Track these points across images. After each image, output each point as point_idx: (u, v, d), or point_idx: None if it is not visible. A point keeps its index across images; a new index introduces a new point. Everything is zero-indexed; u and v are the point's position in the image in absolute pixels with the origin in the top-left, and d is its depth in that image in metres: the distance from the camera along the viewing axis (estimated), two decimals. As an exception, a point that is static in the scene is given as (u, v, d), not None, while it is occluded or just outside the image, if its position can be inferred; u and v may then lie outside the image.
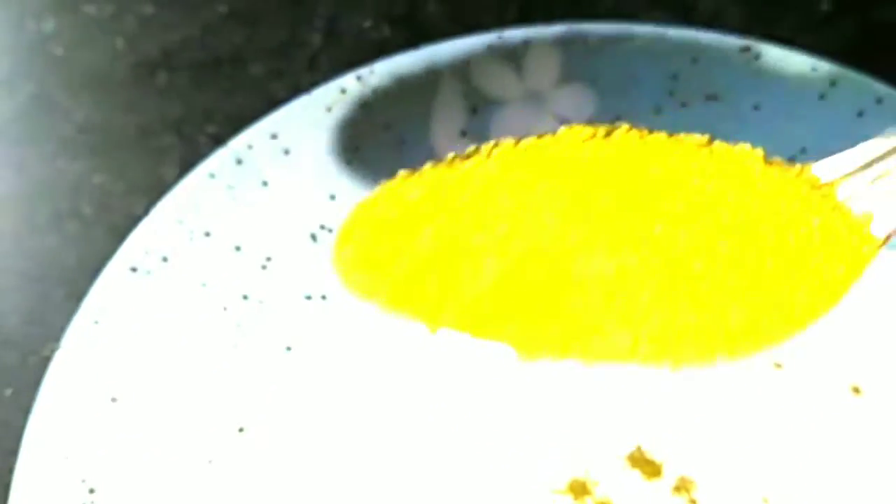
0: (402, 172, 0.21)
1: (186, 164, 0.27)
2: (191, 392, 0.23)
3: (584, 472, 0.22)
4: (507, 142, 0.20)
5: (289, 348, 0.24)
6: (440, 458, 0.23)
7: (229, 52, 0.30)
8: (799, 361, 0.24)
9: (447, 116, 0.26)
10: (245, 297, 0.25)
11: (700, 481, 0.22)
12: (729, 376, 0.24)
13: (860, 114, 0.26)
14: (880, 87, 0.26)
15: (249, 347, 0.24)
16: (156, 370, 0.24)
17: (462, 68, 0.27)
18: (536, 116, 0.27)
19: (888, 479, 0.23)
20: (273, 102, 0.27)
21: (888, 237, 0.20)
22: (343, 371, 0.24)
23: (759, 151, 0.21)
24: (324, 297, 0.24)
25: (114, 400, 0.23)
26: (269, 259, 0.25)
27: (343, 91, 0.26)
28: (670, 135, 0.20)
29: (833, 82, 0.27)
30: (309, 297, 0.25)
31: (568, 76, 0.27)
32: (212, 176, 0.25)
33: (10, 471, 0.22)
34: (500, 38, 0.27)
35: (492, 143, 0.20)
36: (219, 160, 0.26)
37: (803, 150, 0.26)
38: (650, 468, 0.23)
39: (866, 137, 0.26)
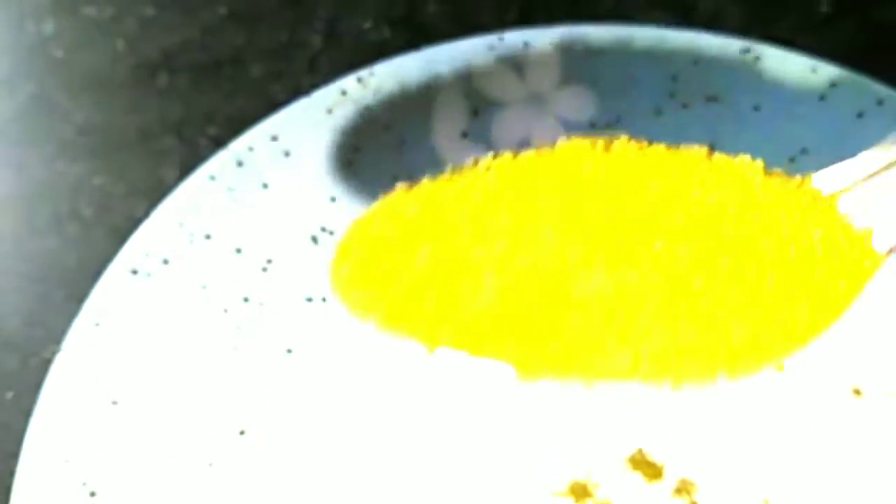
0: (399, 187, 0.20)
1: (187, 166, 0.27)
2: (191, 395, 0.23)
3: (586, 474, 0.22)
4: (506, 155, 0.20)
5: (289, 351, 0.24)
6: (441, 459, 0.23)
7: (229, 54, 0.30)
8: (800, 363, 0.24)
9: (448, 118, 0.26)
10: (246, 300, 0.25)
11: (701, 483, 0.22)
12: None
13: (860, 115, 0.26)
14: (880, 89, 0.26)
15: (250, 350, 0.24)
16: (156, 373, 0.24)
17: (463, 70, 0.27)
18: (537, 118, 0.27)
19: (889, 481, 0.23)
20: (273, 104, 0.27)
21: (890, 251, 0.20)
22: (344, 373, 0.24)
23: (760, 163, 0.20)
24: (324, 300, 0.24)
25: (114, 403, 0.23)
26: (269, 261, 0.25)
27: (343, 93, 0.26)
28: (670, 145, 0.20)
29: (833, 84, 0.27)
30: (310, 300, 0.25)
31: (568, 78, 0.27)
32: (212, 178, 0.25)
33: (11, 474, 0.22)
34: (500, 39, 0.27)
35: (490, 155, 0.20)
36: (219, 162, 0.26)
37: (804, 151, 0.26)
38: (651, 470, 0.23)
39: (866, 139, 0.26)
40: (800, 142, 0.26)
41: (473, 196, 0.20)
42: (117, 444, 0.23)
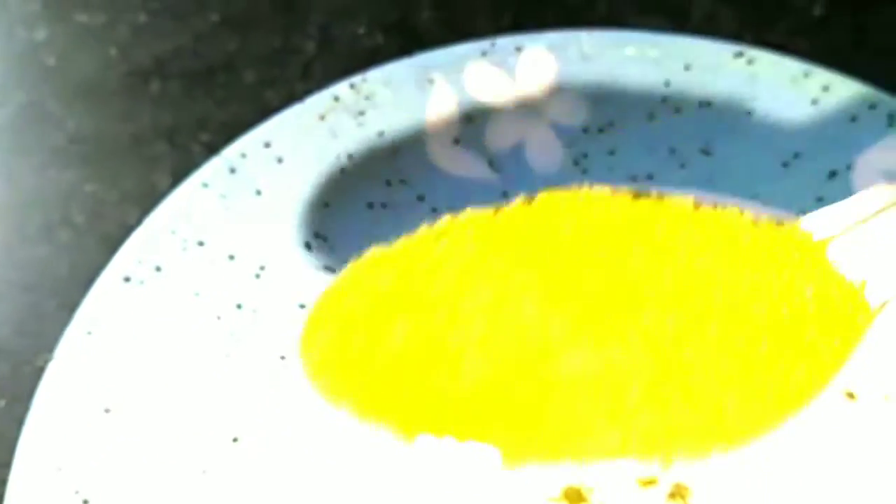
0: (370, 252, 0.19)
1: (179, 173, 0.27)
2: (185, 402, 0.23)
3: (579, 479, 0.22)
4: (484, 214, 0.19)
5: (283, 357, 0.24)
6: (436, 460, 0.23)
7: (222, 61, 0.30)
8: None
9: (441, 124, 0.26)
10: (239, 307, 0.24)
11: (695, 488, 0.22)
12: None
13: (853, 119, 0.26)
14: (873, 93, 0.26)
15: (243, 357, 0.24)
16: (149, 380, 0.23)
17: (456, 76, 0.27)
18: (530, 123, 0.27)
19: (883, 485, 0.23)
20: (266, 111, 0.27)
21: (883, 305, 0.19)
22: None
23: (748, 214, 0.20)
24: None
25: (107, 410, 0.23)
26: (262, 268, 0.25)
27: (336, 99, 0.26)
28: (657, 196, 0.19)
29: (826, 88, 0.27)
30: (303, 306, 0.24)
31: (562, 83, 0.27)
32: (205, 185, 0.25)
33: (4, 482, 0.22)
34: (493, 45, 0.27)
35: (468, 213, 0.19)
36: (212, 169, 0.26)
37: (797, 156, 0.26)
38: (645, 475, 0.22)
39: (860, 143, 0.26)
40: (793, 146, 0.26)
41: (450, 266, 0.18)
42: (110, 452, 0.23)
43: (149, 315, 0.24)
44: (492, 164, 0.26)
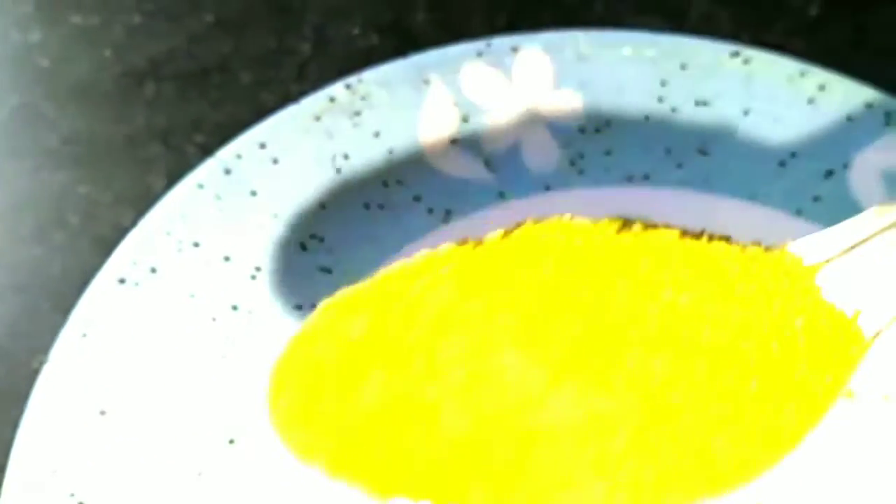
0: (340, 293, 0.18)
1: (174, 175, 0.27)
2: (180, 404, 0.23)
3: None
4: (462, 249, 0.18)
5: (279, 359, 0.24)
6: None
7: (217, 62, 0.30)
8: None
9: (437, 124, 0.26)
10: (234, 308, 0.24)
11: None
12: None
13: (849, 118, 0.26)
14: (869, 92, 0.26)
15: (239, 358, 0.24)
16: (144, 382, 0.23)
17: (451, 76, 0.27)
18: (527, 124, 0.27)
19: (882, 484, 0.23)
20: (261, 111, 0.27)
21: (877, 335, 0.19)
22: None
23: (736, 247, 0.19)
24: (314, 307, 0.24)
25: (103, 413, 0.23)
26: (258, 269, 0.25)
27: (332, 100, 0.26)
28: (641, 227, 0.18)
29: (822, 87, 0.27)
30: (299, 307, 0.24)
31: (558, 83, 0.27)
32: (200, 186, 0.25)
33: (-2, 485, 0.22)
34: (489, 45, 0.27)
35: (445, 248, 0.18)
36: (207, 170, 0.25)
37: (793, 155, 0.26)
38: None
39: (856, 142, 0.26)
40: (789, 146, 0.26)
41: (426, 308, 0.17)
42: (106, 455, 0.23)
43: (144, 317, 0.24)
44: (488, 164, 0.26)
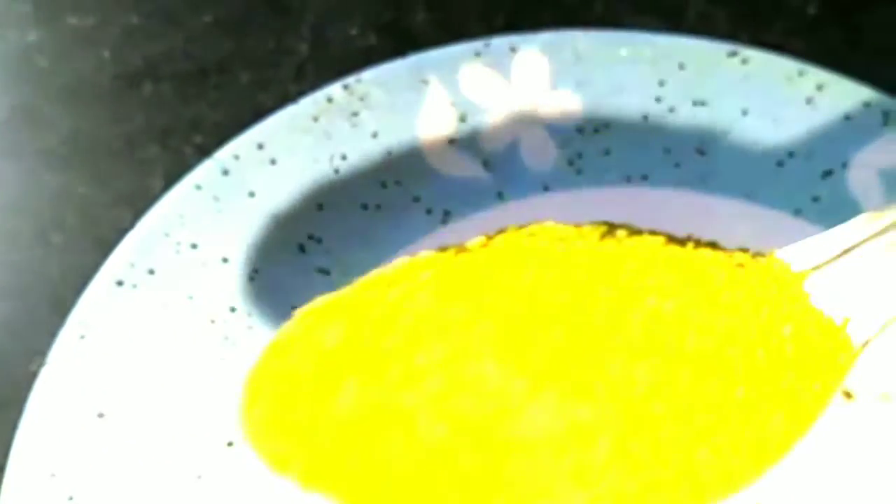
0: (318, 300, 0.18)
1: (172, 176, 0.26)
2: (179, 406, 0.23)
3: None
4: (442, 256, 0.18)
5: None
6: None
7: (215, 62, 0.30)
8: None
9: (435, 124, 0.26)
10: (233, 310, 0.24)
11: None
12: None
13: (847, 118, 0.26)
14: (867, 92, 0.26)
15: (238, 360, 0.24)
16: (143, 385, 0.23)
17: (449, 76, 0.27)
18: (525, 124, 0.27)
19: (881, 484, 0.23)
20: (259, 112, 0.27)
21: (866, 343, 0.19)
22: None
23: (723, 253, 0.18)
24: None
25: (101, 415, 0.23)
26: (256, 270, 0.25)
27: (330, 100, 0.26)
28: (627, 233, 0.18)
29: (820, 87, 0.27)
30: (296, 309, 0.24)
31: (556, 83, 0.27)
32: (198, 187, 0.25)
33: (-3, 488, 0.22)
34: (487, 45, 0.27)
35: (425, 255, 0.18)
36: (205, 171, 0.25)
37: (791, 155, 0.26)
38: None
39: (854, 141, 0.26)
40: (787, 146, 0.26)
41: (403, 315, 0.17)
42: (104, 458, 0.23)
43: (142, 319, 0.24)
44: (486, 164, 0.26)
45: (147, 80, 0.30)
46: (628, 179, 0.26)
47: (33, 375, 0.23)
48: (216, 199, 0.25)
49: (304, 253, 0.25)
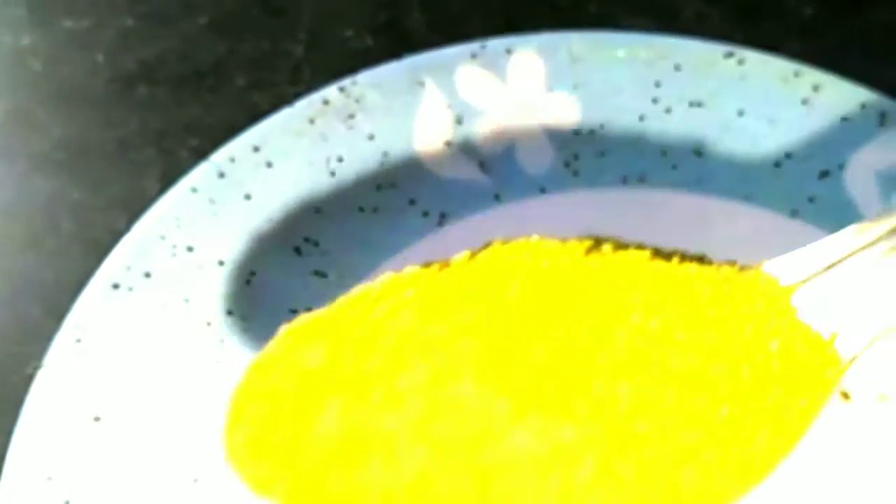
0: (301, 318, 0.18)
1: (168, 179, 0.26)
2: (175, 410, 0.23)
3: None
4: (427, 271, 0.18)
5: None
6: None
7: (210, 65, 0.30)
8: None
9: (431, 127, 0.26)
10: (229, 313, 0.24)
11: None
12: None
13: (845, 118, 0.26)
14: (863, 92, 0.26)
15: (234, 364, 0.24)
16: (139, 388, 0.23)
17: (445, 78, 0.27)
18: (521, 126, 0.27)
19: (878, 485, 0.23)
20: (255, 115, 0.26)
21: (854, 358, 0.18)
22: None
23: (710, 268, 0.18)
24: (309, 311, 0.24)
25: (97, 419, 0.23)
26: (252, 273, 0.25)
27: (326, 102, 0.26)
28: (613, 247, 0.18)
29: (816, 87, 0.27)
30: (294, 311, 0.24)
31: (552, 85, 0.27)
32: (194, 190, 0.25)
33: (-8, 493, 0.22)
34: (483, 47, 0.27)
35: (410, 271, 0.18)
36: (201, 174, 0.25)
37: (788, 156, 0.26)
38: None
39: (850, 142, 0.26)
40: (784, 146, 0.26)
41: (386, 335, 0.17)
42: (100, 462, 0.22)
43: (138, 322, 0.24)
44: (483, 166, 0.26)
45: (142, 83, 0.30)
46: (625, 181, 0.26)
47: (29, 379, 0.23)
48: (212, 201, 0.25)
49: (300, 256, 0.25)
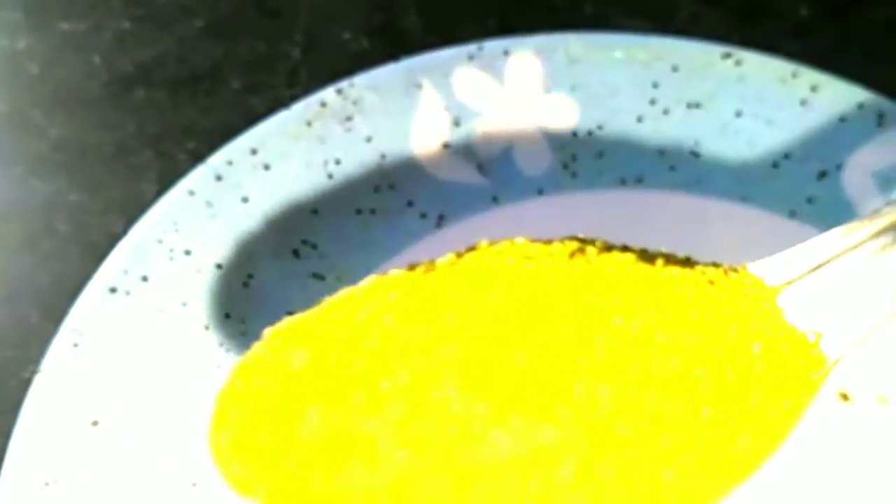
0: (284, 322, 0.18)
1: (165, 182, 0.26)
2: (173, 414, 0.23)
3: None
4: (411, 274, 0.18)
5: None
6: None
7: (207, 67, 0.30)
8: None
9: (429, 128, 0.26)
10: (227, 316, 0.24)
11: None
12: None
13: (842, 119, 0.26)
14: (861, 92, 0.26)
15: (232, 367, 0.24)
16: (137, 392, 0.23)
17: (443, 80, 0.27)
18: (519, 127, 0.26)
19: (877, 486, 0.23)
20: (252, 117, 0.26)
21: (840, 359, 0.18)
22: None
23: (695, 270, 0.18)
24: (307, 314, 0.24)
25: (95, 423, 0.23)
26: (250, 277, 0.25)
27: (323, 105, 0.26)
28: (599, 248, 0.18)
29: (814, 88, 0.27)
30: (292, 314, 0.24)
31: (550, 86, 0.27)
32: (191, 193, 0.25)
33: (-10, 498, 0.22)
34: (480, 48, 0.27)
35: (394, 274, 0.18)
36: (198, 177, 0.25)
37: (786, 157, 0.26)
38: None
39: (848, 142, 0.26)
40: (782, 147, 0.26)
41: (369, 338, 0.17)
42: (99, 466, 0.22)
43: (136, 326, 0.24)
44: (481, 168, 0.26)
45: (139, 86, 0.30)
46: (623, 182, 0.26)
47: (26, 384, 0.23)
48: (209, 204, 0.25)
49: (298, 258, 0.25)
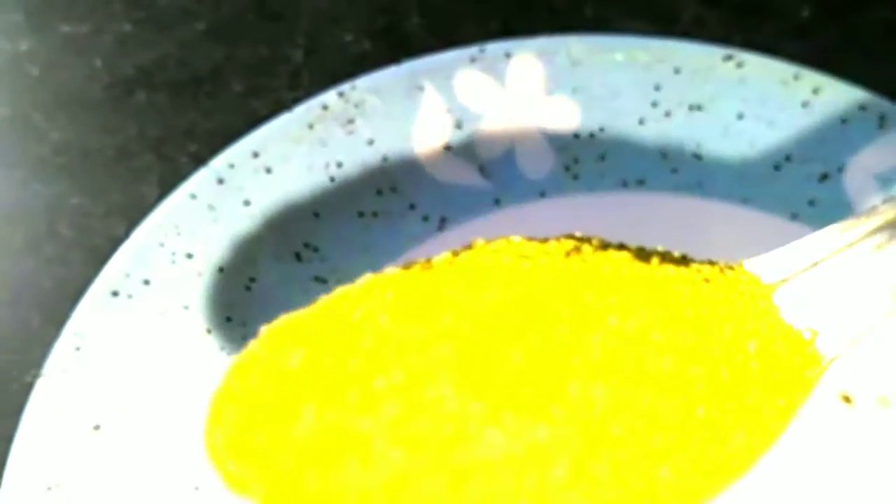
0: (280, 320, 0.18)
1: (167, 185, 0.26)
2: (175, 417, 0.23)
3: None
4: (408, 273, 0.18)
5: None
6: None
7: (208, 70, 0.30)
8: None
9: (431, 131, 0.26)
10: (229, 320, 0.24)
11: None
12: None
13: (844, 121, 0.26)
14: (863, 94, 0.26)
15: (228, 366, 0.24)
16: (139, 396, 0.23)
17: (445, 82, 0.27)
18: (521, 130, 0.26)
19: (880, 488, 0.23)
20: (254, 120, 0.26)
21: (836, 357, 0.18)
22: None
23: (691, 268, 0.18)
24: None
25: (97, 427, 0.23)
26: (252, 280, 0.25)
27: (325, 107, 0.26)
28: (596, 246, 0.18)
29: (816, 90, 0.26)
30: (294, 317, 0.24)
31: (551, 89, 0.27)
32: (193, 196, 0.25)
33: (-8, 502, 0.22)
34: (482, 51, 0.27)
35: (390, 272, 0.18)
36: (200, 180, 0.25)
37: (788, 158, 0.26)
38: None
39: (850, 144, 0.26)
40: (784, 149, 0.26)
41: (364, 337, 0.17)
42: (101, 470, 0.22)
43: (138, 329, 0.24)
44: (483, 170, 0.26)
45: (140, 89, 0.30)
46: (625, 184, 0.26)
47: (29, 387, 0.23)
48: (211, 207, 0.25)
49: (300, 261, 0.25)
